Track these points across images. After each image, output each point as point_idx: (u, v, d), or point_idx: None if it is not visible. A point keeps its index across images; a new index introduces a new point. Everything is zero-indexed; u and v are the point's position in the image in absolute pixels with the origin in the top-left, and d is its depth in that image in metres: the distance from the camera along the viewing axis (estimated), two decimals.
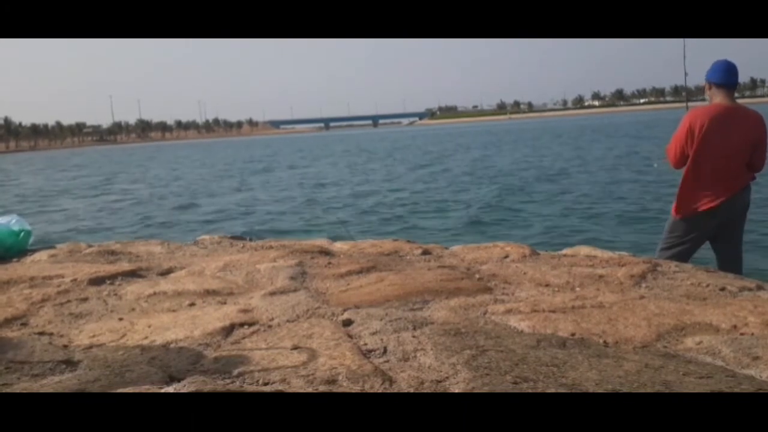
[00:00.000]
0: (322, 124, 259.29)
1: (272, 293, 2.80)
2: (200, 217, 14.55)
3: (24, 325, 2.53)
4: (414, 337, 2.12)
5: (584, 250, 3.49)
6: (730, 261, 3.77)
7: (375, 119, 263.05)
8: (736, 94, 3.86)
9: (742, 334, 2.12)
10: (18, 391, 1.81)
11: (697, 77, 4.20)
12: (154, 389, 1.77)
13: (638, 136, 39.78)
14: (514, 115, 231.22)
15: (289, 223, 12.85)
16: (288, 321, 2.41)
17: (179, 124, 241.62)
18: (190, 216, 14.82)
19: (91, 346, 2.23)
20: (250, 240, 4.33)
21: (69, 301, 2.82)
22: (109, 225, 13.90)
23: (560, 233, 9.67)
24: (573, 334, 2.16)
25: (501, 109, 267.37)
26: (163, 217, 14.63)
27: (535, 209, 12.39)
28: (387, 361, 1.94)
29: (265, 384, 1.81)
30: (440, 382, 1.76)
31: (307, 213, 13.95)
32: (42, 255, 3.87)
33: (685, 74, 4.34)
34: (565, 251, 3.53)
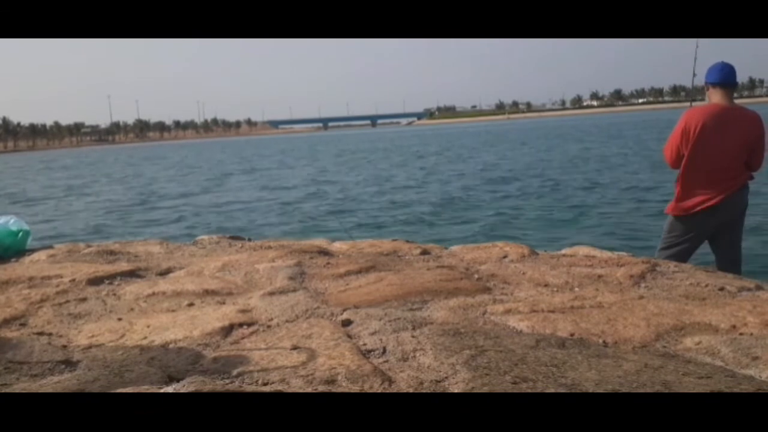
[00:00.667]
0: (320, 124, 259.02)
1: (271, 293, 2.80)
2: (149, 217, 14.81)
3: (23, 325, 2.52)
4: (413, 337, 2.12)
5: (583, 250, 3.49)
6: (728, 261, 3.78)
7: (373, 119, 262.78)
8: (735, 95, 3.87)
9: (741, 334, 2.12)
10: (17, 391, 1.81)
11: (697, 78, 4.20)
12: (153, 389, 1.77)
13: (619, 136, 40.40)
14: (512, 115, 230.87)
15: (239, 222, 13.05)
16: (287, 321, 2.41)
17: (177, 124, 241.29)
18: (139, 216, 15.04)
19: (90, 346, 2.23)
20: (249, 240, 4.33)
21: (68, 301, 2.82)
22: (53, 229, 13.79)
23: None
24: (572, 334, 2.16)
25: (499, 109, 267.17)
26: (111, 220, 14.77)
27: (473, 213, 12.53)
28: (386, 361, 1.94)
29: (265, 384, 1.80)
30: (439, 382, 1.76)
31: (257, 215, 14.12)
32: (41, 255, 3.87)
33: (694, 75, 4.34)
34: (564, 251, 3.53)
